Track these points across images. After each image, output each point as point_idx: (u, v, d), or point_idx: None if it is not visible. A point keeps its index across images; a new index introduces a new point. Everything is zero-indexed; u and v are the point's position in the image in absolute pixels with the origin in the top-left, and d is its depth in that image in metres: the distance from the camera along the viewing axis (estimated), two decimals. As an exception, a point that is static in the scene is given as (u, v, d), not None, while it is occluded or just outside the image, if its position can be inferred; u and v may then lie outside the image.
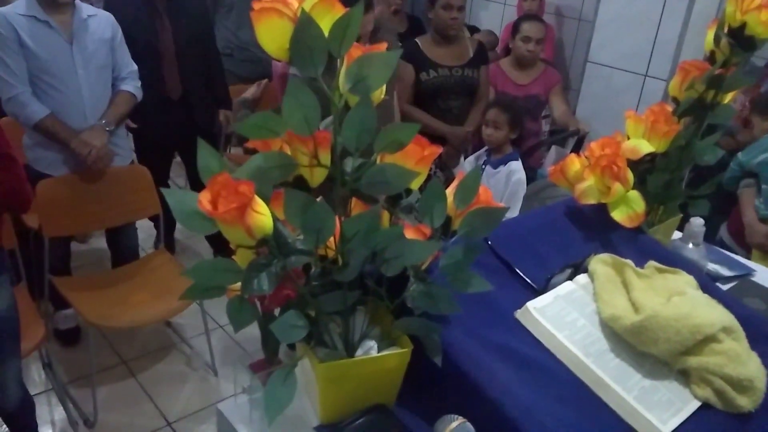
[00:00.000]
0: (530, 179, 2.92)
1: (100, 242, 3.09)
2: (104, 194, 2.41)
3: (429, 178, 0.88)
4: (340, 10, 0.68)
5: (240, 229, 0.65)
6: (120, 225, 2.58)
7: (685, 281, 1.00)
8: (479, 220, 0.82)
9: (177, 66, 2.79)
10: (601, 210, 1.17)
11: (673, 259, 1.13)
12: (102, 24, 2.35)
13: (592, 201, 1.16)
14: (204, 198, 0.64)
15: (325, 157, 0.73)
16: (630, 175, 1.13)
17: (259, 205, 0.66)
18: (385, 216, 0.83)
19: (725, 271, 1.33)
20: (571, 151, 3.26)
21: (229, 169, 0.69)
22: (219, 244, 3.22)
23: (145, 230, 2.96)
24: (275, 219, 0.71)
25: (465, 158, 3.02)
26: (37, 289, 2.40)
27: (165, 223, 2.64)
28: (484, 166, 2.86)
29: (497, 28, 4.35)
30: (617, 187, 1.11)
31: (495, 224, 0.83)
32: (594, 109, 3.20)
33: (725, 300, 1.00)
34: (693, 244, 1.21)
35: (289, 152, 0.73)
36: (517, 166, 2.77)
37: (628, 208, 1.13)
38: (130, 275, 2.51)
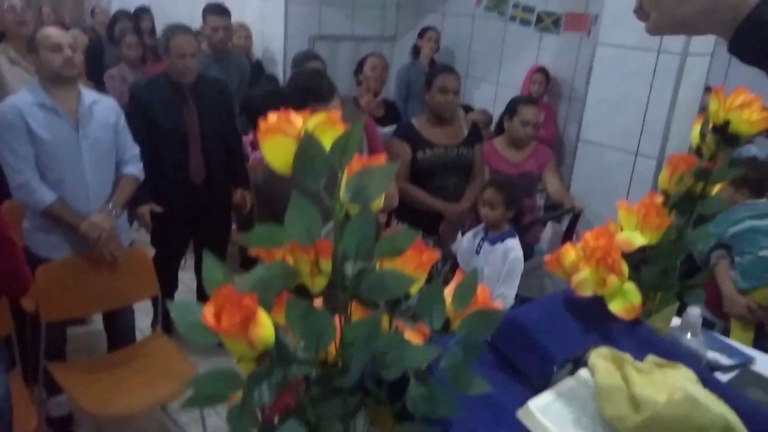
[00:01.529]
0: (527, 255, 2.95)
1: (96, 324, 3.06)
2: (103, 277, 2.42)
3: (430, 276, 0.90)
4: (340, 128, 0.71)
5: (243, 342, 0.66)
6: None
7: (684, 376, 1.00)
8: (478, 323, 0.83)
9: (201, 149, 2.87)
10: (600, 300, 1.18)
11: (672, 351, 1.13)
12: (106, 109, 2.43)
13: (588, 293, 1.17)
14: (208, 312, 0.65)
15: (326, 265, 0.74)
16: (624, 267, 1.14)
17: (262, 317, 0.67)
18: (385, 318, 0.84)
19: (725, 360, 1.33)
20: (566, 228, 3.31)
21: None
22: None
23: (142, 308, 2.94)
24: (276, 326, 0.72)
25: (462, 234, 3.06)
26: (31, 375, 2.37)
27: (163, 303, 2.64)
28: (481, 243, 2.90)
29: (490, 106, 4.50)
30: (612, 279, 1.13)
31: (493, 326, 0.84)
32: (588, 186, 3.27)
33: (726, 394, 1.00)
34: (691, 334, 1.22)
35: (291, 261, 0.74)
36: (514, 244, 2.80)
37: (624, 301, 1.14)
38: (126, 360, 2.48)
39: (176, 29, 2.85)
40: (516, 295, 2.80)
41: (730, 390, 1.06)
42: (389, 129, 3.32)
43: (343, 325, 0.76)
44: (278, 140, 0.69)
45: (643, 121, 3.01)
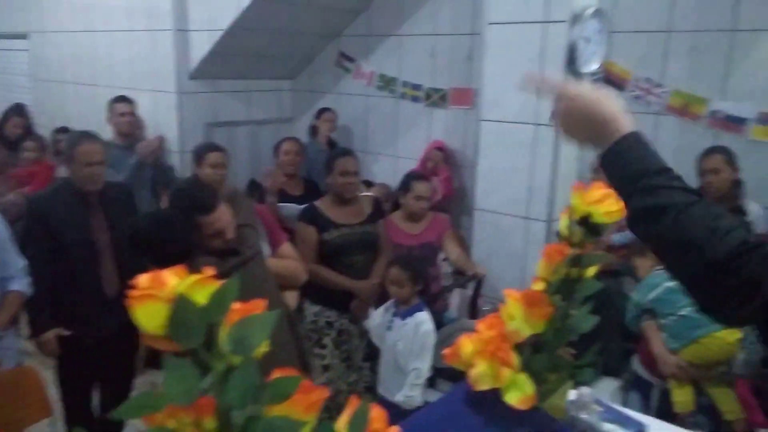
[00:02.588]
0: (438, 324, 3.01)
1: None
2: (-11, 404, 2.23)
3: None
4: (215, 284, 0.72)
5: None
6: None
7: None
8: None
9: (113, 259, 2.70)
10: (497, 392, 1.22)
11: (569, 433, 1.19)
12: None
13: (486, 387, 1.21)
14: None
15: (210, 422, 0.73)
16: (515, 359, 1.19)
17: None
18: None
19: (619, 431, 1.40)
20: (473, 294, 3.41)
21: None
22: None
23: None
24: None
25: (375, 309, 3.08)
26: None
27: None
28: (393, 318, 2.93)
29: (391, 179, 4.63)
30: (506, 372, 1.18)
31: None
32: (488, 251, 3.40)
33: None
34: (585, 412, 1.28)
35: (172, 424, 0.72)
36: (423, 317, 2.86)
37: (519, 392, 1.19)
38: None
39: (81, 136, 2.71)
40: (432, 367, 2.83)
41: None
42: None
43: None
44: (150, 306, 0.68)
45: (530, 187, 3.20)
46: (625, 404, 2.52)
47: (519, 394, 1.19)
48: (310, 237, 3.13)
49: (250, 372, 0.74)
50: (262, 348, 0.79)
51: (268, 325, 0.75)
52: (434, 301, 3.34)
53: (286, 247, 2.67)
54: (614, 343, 2.85)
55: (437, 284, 3.58)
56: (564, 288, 1.30)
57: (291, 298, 2.82)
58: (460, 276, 3.48)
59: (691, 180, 2.47)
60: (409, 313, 2.88)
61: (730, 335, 2.32)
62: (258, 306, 0.77)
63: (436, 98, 4.56)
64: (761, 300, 0.78)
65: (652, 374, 2.56)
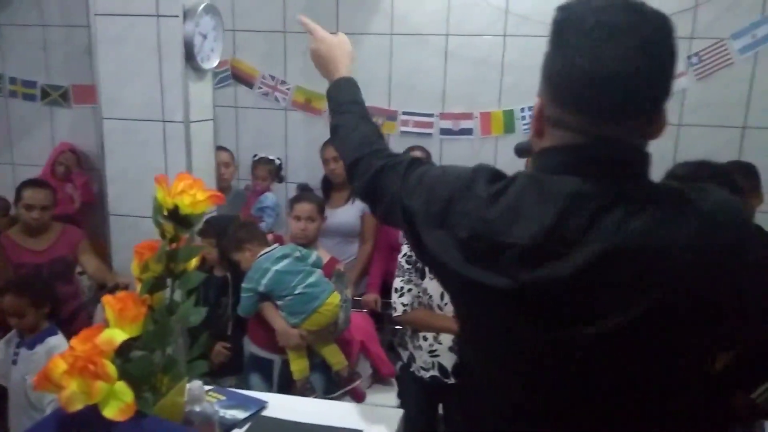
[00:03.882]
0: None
1: None
2: None
3: None
4: None
5: None
6: None
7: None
8: None
9: None
10: (95, 409, 1.13)
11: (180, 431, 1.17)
12: None
13: (79, 407, 1.10)
14: None
15: None
16: (111, 369, 1.12)
17: None
18: None
19: (241, 414, 1.43)
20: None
21: None
22: None
23: None
24: None
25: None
26: None
27: None
28: (18, 350, 2.58)
29: (8, 191, 3.99)
30: (100, 385, 1.09)
31: None
32: (130, 259, 3.16)
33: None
34: (199, 405, 1.27)
35: None
36: (57, 341, 2.60)
37: (118, 402, 1.12)
38: None
39: None
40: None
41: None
42: None
43: None
44: None
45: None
46: (248, 386, 2.60)
47: (119, 405, 1.12)
48: None
49: None
50: None
51: None
52: (73, 321, 3.02)
53: None
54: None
55: (77, 301, 3.25)
56: (162, 285, 1.27)
57: None
58: (102, 289, 3.20)
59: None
60: (39, 339, 2.58)
61: (335, 299, 2.58)
62: None
63: (56, 96, 4.08)
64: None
65: (268, 350, 2.69)
